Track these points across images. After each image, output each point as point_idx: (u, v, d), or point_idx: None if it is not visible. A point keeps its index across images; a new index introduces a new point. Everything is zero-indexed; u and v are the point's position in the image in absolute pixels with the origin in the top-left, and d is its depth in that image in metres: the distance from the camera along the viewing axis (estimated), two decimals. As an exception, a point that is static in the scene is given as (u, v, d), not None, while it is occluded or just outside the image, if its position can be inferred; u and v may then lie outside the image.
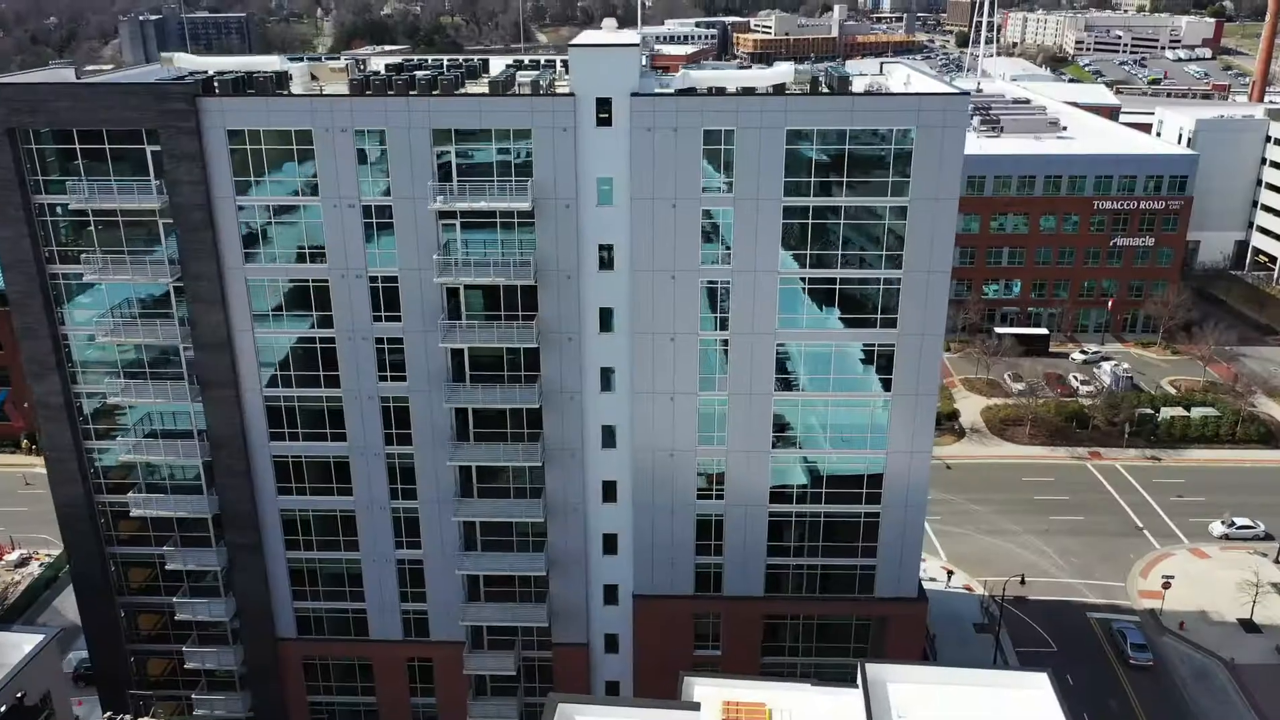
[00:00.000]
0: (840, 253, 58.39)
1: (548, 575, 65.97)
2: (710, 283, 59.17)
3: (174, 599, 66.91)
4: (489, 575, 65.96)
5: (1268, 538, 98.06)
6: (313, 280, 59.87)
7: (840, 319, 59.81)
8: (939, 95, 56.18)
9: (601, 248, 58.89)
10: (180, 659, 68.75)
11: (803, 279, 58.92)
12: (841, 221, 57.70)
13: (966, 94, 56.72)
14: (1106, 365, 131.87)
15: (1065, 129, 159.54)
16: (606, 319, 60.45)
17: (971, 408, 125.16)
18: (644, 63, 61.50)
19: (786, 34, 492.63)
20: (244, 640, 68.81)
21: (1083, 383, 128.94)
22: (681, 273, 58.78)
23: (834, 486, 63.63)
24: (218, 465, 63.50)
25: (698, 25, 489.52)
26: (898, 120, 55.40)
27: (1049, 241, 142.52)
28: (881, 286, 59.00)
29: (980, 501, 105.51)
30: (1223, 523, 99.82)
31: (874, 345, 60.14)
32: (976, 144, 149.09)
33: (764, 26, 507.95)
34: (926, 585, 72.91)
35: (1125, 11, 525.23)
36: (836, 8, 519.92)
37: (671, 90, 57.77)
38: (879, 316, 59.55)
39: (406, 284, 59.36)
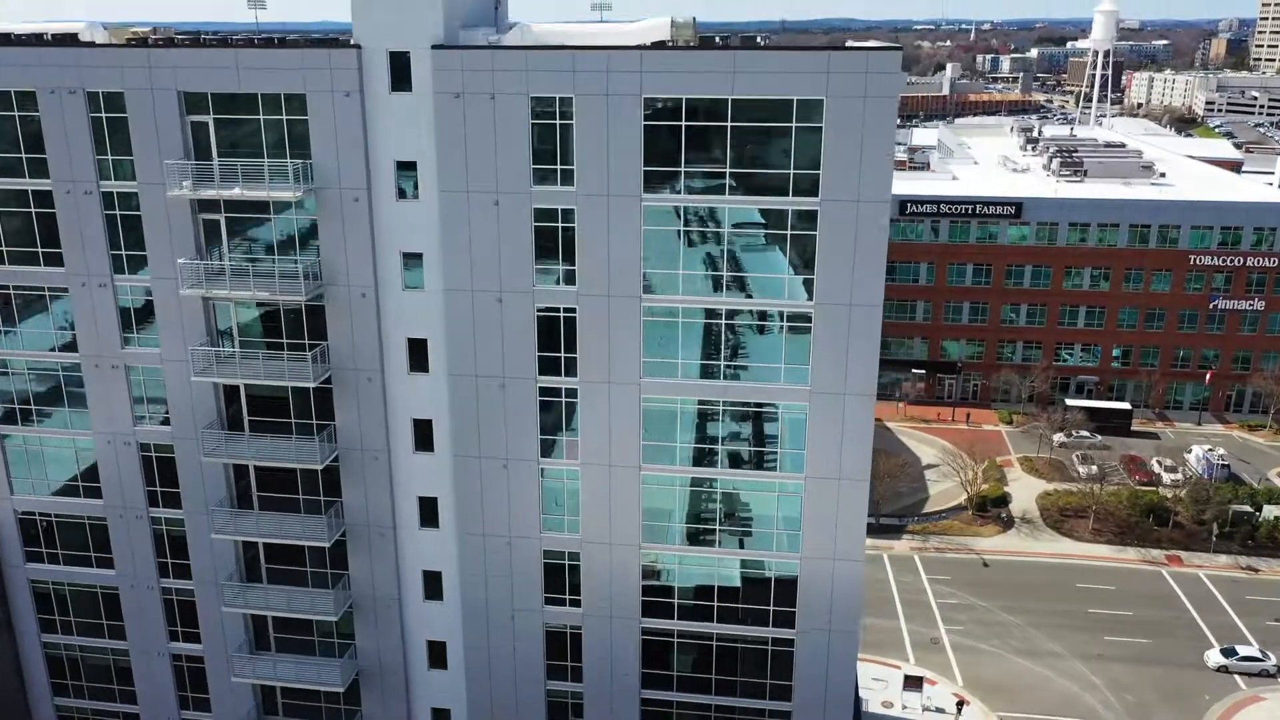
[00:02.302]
0: (726, 273, 41.90)
1: (358, 690, 50.14)
2: (548, 310, 43.29)
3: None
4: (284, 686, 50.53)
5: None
6: (48, 289, 46.30)
7: (729, 368, 43.13)
8: (858, 51, 39.75)
9: (407, 257, 43.75)
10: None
11: (675, 310, 42.54)
12: (725, 230, 41.32)
13: (898, 49, 39.88)
14: (1198, 449, 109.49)
15: (1163, 175, 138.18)
16: (418, 353, 45.08)
17: (1026, 493, 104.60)
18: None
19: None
20: (1, 741, 54.88)
21: (1167, 469, 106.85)
22: (510, 294, 43.10)
23: (729, 599, 46.36)
24: (-49, 521, 50.15)
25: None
26: (800, 86, 38.98)
27: (1134, 301, 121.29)
28: (784, 324, 42.16)
29: (1017, 610, 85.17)
30: (1222, 651, 78.66)
31: (776, 407, 43.14)
32: (1050, 187, 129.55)
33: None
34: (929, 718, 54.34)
35: (1263, 73, 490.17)
36: (949, 66, 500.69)
37: (487, 43, 42.56)
38: (783, 367, 42.63)
39: (162, 296, 45.22)
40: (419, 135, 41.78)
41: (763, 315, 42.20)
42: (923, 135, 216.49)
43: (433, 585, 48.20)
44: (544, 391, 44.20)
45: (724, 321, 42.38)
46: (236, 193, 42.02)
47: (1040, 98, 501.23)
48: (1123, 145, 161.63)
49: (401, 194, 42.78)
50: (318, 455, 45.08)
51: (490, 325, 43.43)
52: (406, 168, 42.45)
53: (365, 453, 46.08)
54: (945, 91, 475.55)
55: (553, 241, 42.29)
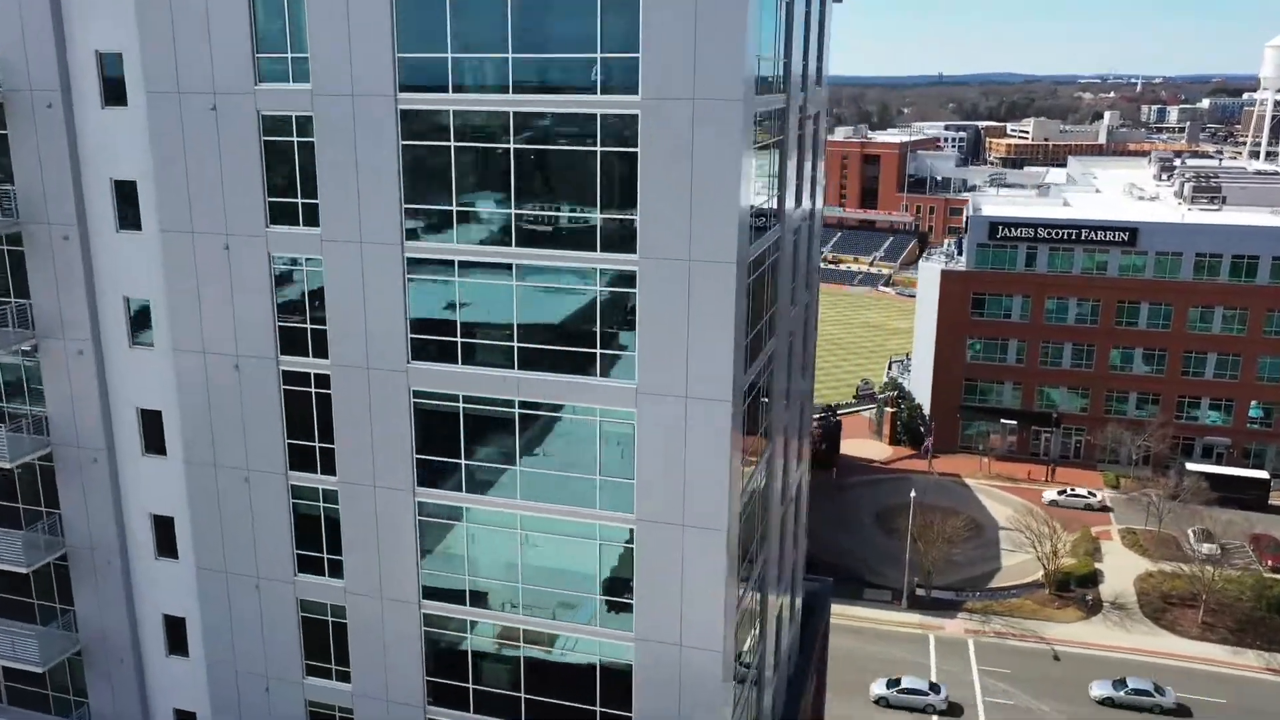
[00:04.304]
0: (514, 212, 28.73)
1: (99, 769, 38.30)
2: (289, 261, 31.05)
3: None
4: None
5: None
6: None
7: (525, 349, 29.77)
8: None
9: (119, 186, 32.40)
10: None
11: (452, 261, 29.59)
12: (511, 146, 28.23)
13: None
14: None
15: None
16: (141, 323, 33.51)
17: (1122, 571, 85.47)
18: None
19: (1046, 139, 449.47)
20: None
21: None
22: (238, 238, 31.07)
23: (541, 689, 32.40)
24: None
25: (947, 128, 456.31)
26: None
27: (1279, 349, 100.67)
28: (599, 288, 28.59)
29: (1089, 722, 67.21)
30: (1114, 683, 68.38)
31: (594, 413, 29.44)
32: (1176, 212, 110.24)
33: (1021, 131, 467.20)
34: None
35: None
36: (1107, 114, 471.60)
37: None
38: (599, 352, 29.00)
39: None
40: (119, 12, 30.53)
41: (570, 275, 28.79)
42: (1057, 174, 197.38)
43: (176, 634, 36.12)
44: (286, 377, 31.85)
45: (513, 282, 29.13)
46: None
47: (1209, 148, 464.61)
48: (1276, 174, 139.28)
49: (107, 97, 31.57)
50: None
51: (216, 279, 31.51)
52: (110, 61, 31.24)
53: (82, 450, 34.61)
54: (1101, 139, 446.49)
55: (290, 165, 30.15)
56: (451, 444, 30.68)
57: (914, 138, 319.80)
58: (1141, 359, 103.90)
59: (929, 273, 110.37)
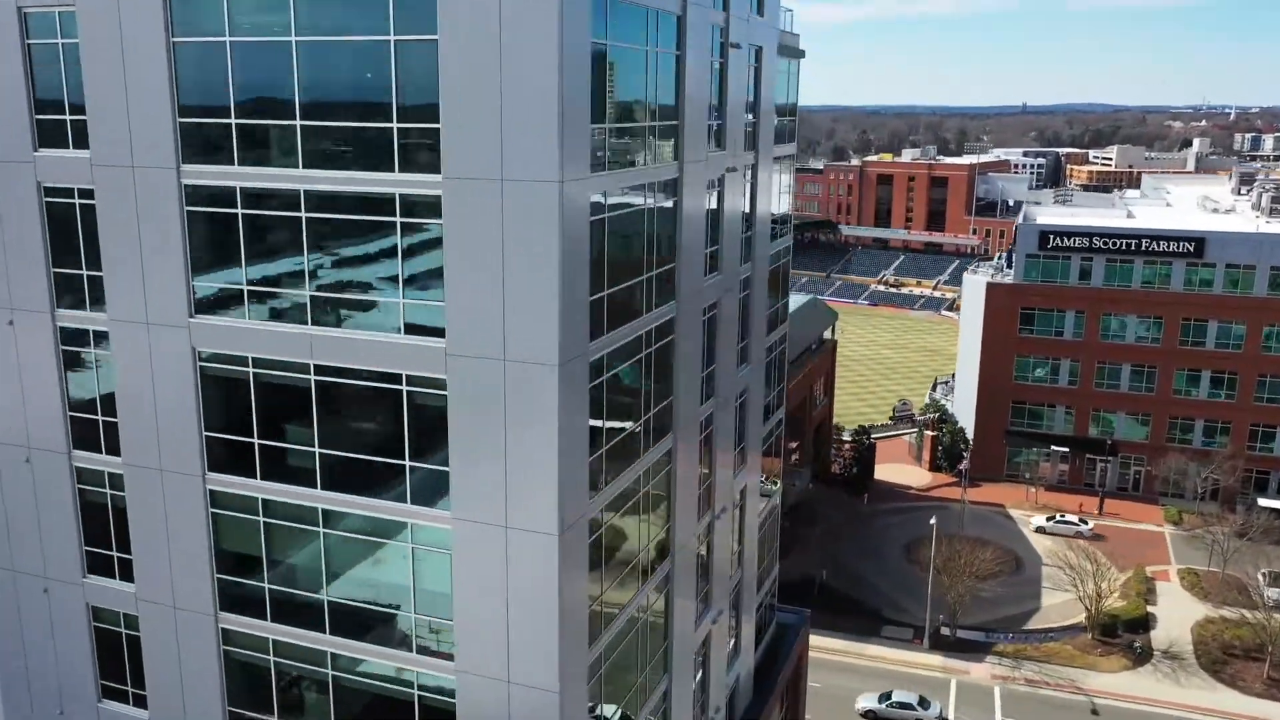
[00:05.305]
0: (300, 124, 22.96)
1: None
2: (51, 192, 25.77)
3: None
4: None
5: None
6: None
7: (318, 298, 23.91)
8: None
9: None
10: None
11: (214, 193, 23.93)
12: (293, 39, 22.52)
13: None
14: None
15: None
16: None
17: (1178, 617, 76.06)
18: None
19: (1130, 166, 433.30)
20: None
21: (1399, 605, 75.33)
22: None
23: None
24: None
25: (1025, 154, 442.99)
26: None
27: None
28: (399, 195, 22.61)
29: (1126, 788, 58.48)
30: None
31: (399, 380, 23.40)
32: (1251, 222, 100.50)
33: (1104, 158, 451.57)
34: None
35: None
36: (1196, 140, 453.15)
37: None
38: (400, 302, 23.00)
39: None
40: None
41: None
42: (1132, 194, 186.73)
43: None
44: (67, 335, 26.47)
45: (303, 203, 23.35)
46: None
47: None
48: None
49: None
50: None
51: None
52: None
53: None
54: (1190, 167, 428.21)
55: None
56: (244, 418, 24.89)
57: (984, 159, 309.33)
58: (1209, 382, 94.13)
59: (974, 286, 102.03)
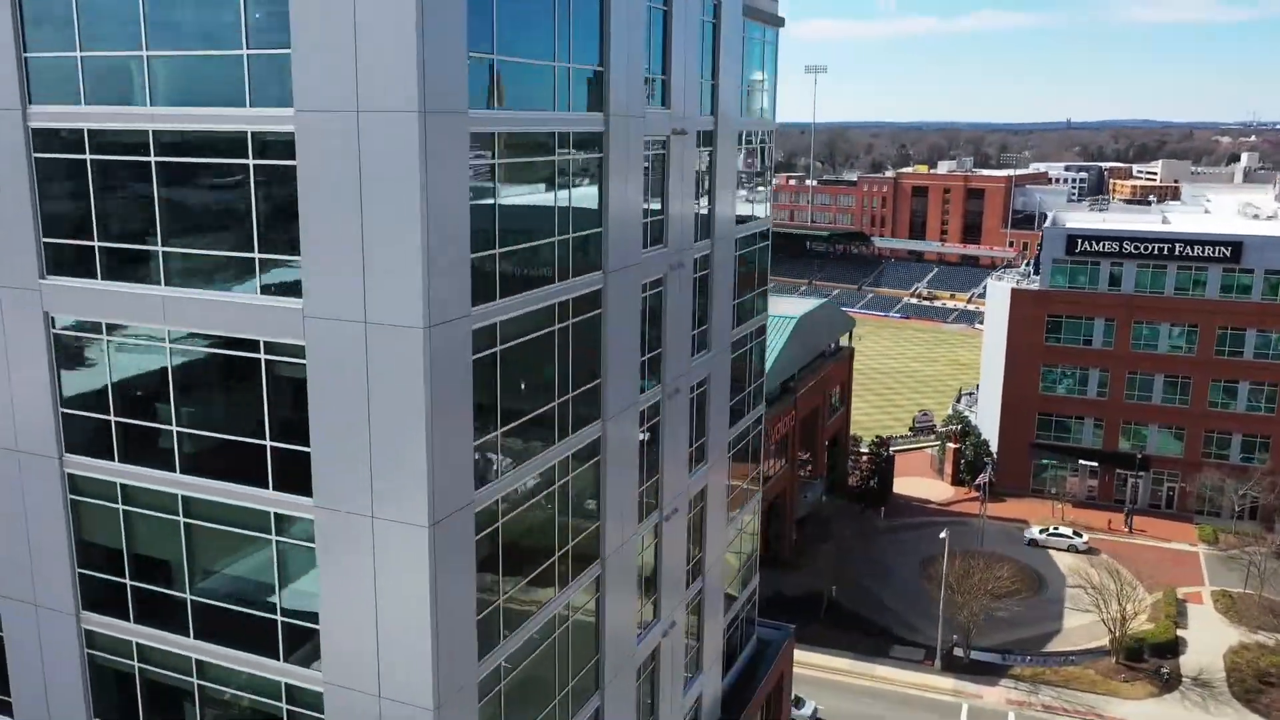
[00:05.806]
0: (147, 55, 20.20)
1: None
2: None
3: None
4: None
5: None
6: None
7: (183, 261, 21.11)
8: None
9: None
10: None
11: (63, 138, 21.23)
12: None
13: None
14: None
15: None
16: None
17: (1211, 641, 71.27)
18: None
19: (1175, 180, 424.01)
20: None
21: None
22: None
23: (234, 740, 23.35)
24: None
25: (1067, 169, 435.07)
26: None
27: None
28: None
29: (1147, 825, 54.04)
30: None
31: (257, 347, 20.52)
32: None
33: (1148, 172, 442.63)
34: None
35: None
36: (1244, 155, 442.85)
37: None
38: (253, 254, 20.13)
39: None
40: None
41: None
42: (1173, 205, 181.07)
43: None
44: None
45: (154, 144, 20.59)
46: None
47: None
48: None
49: None
50: None
51: None
52: None
53: None
54: (1237, 181, 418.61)
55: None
56: (99, 392, 22.16)
57: (1021, 171, 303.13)
58: (1247, 395, 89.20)
59: (998, 292, 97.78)
